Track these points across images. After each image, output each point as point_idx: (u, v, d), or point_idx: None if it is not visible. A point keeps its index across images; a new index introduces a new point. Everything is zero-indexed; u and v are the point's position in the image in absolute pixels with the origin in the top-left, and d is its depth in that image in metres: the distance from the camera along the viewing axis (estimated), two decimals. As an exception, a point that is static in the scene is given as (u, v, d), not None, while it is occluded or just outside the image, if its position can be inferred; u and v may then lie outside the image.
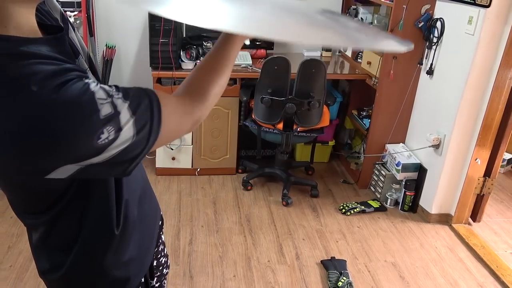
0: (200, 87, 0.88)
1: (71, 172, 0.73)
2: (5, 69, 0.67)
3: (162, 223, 1.32)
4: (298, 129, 3.15)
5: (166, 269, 1.34)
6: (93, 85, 0.70)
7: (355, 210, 3.16)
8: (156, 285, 1.28)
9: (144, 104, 0.75)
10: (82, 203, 0.91)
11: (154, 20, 3.13)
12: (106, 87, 0.72)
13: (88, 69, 0.93)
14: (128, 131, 0.71)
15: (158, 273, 1.28)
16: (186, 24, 3.36)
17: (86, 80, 0.70)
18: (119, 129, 0.70)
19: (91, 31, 3.46)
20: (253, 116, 3.19)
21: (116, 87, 0.74)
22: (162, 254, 1.30)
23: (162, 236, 1.32)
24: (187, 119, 0.86)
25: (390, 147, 3.29)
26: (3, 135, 0.68)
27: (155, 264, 1.23)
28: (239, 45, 0.91)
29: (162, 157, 3.43)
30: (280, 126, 3.11)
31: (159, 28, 3.10)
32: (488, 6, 2.41)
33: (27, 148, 0.68)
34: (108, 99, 0.70)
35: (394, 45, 0.79)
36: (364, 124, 3.46)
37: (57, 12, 0.94)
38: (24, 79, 0.66)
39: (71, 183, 0.83)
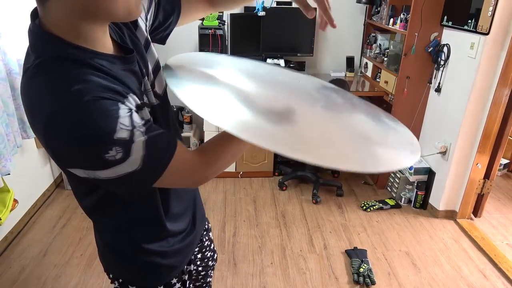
0: (212, 156, 0.89)
1: (83, 175, 0.76)
2: (69, 70, 0.72)
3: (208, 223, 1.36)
4: (326, 138, 3.38)
5: (212, 262, 1.36)
6: (124, 112, 0.73)
7: (374, 207, 3.32)
8: (202, 273, 1.32)
9: (159, 148, 0.78)
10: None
11: (203, 46, 3.39)
12: (136, 118, 0.75)
13: (151, 90, 0.92)
14: (135, 161, 0.74)
15: (203, 264, 1.31)
16: (231, 49, 3.59)
17: (120, 105, 0.73)
18: (127, 154, 0.72)
19: (150, 54, 3.72)
20: (287, 127, 3.45)
21: (148, 121, 0.78)
22: (208, 249, 1.32)
23: (210, 234, 1.35)
24: (189, 176, 0.88)
25: (404, 154, 3.52)
26: (40, 120, 0.71)
27: (199, 256, 1.28)
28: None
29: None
30: (311, 135, 3.36)
31: (207, 51, 3.30)
32: (487, 34, 2.55)
33: (50, 140, 0.72)
34: (129, 127, 0.72)
35: (363, 116, 0.98)
36: (382, 134, 3.68)
37: (143, 37, 0.97)
38: (73, 83, 0.70)
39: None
